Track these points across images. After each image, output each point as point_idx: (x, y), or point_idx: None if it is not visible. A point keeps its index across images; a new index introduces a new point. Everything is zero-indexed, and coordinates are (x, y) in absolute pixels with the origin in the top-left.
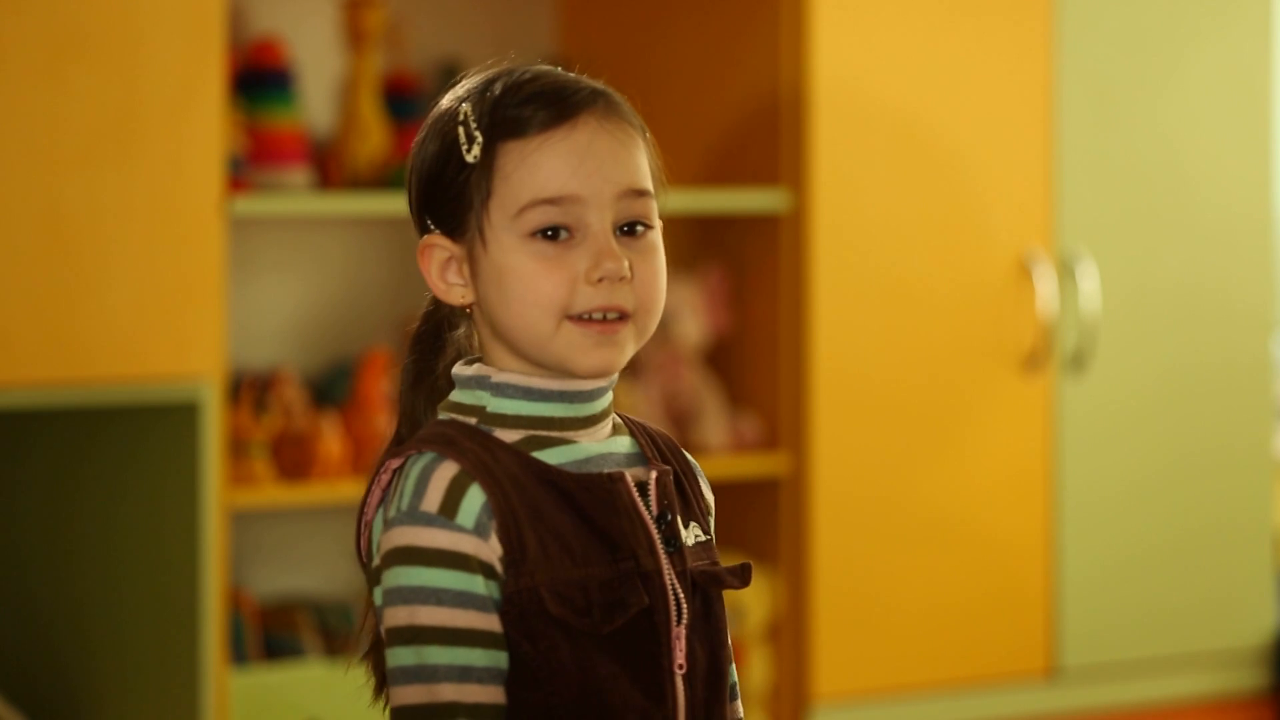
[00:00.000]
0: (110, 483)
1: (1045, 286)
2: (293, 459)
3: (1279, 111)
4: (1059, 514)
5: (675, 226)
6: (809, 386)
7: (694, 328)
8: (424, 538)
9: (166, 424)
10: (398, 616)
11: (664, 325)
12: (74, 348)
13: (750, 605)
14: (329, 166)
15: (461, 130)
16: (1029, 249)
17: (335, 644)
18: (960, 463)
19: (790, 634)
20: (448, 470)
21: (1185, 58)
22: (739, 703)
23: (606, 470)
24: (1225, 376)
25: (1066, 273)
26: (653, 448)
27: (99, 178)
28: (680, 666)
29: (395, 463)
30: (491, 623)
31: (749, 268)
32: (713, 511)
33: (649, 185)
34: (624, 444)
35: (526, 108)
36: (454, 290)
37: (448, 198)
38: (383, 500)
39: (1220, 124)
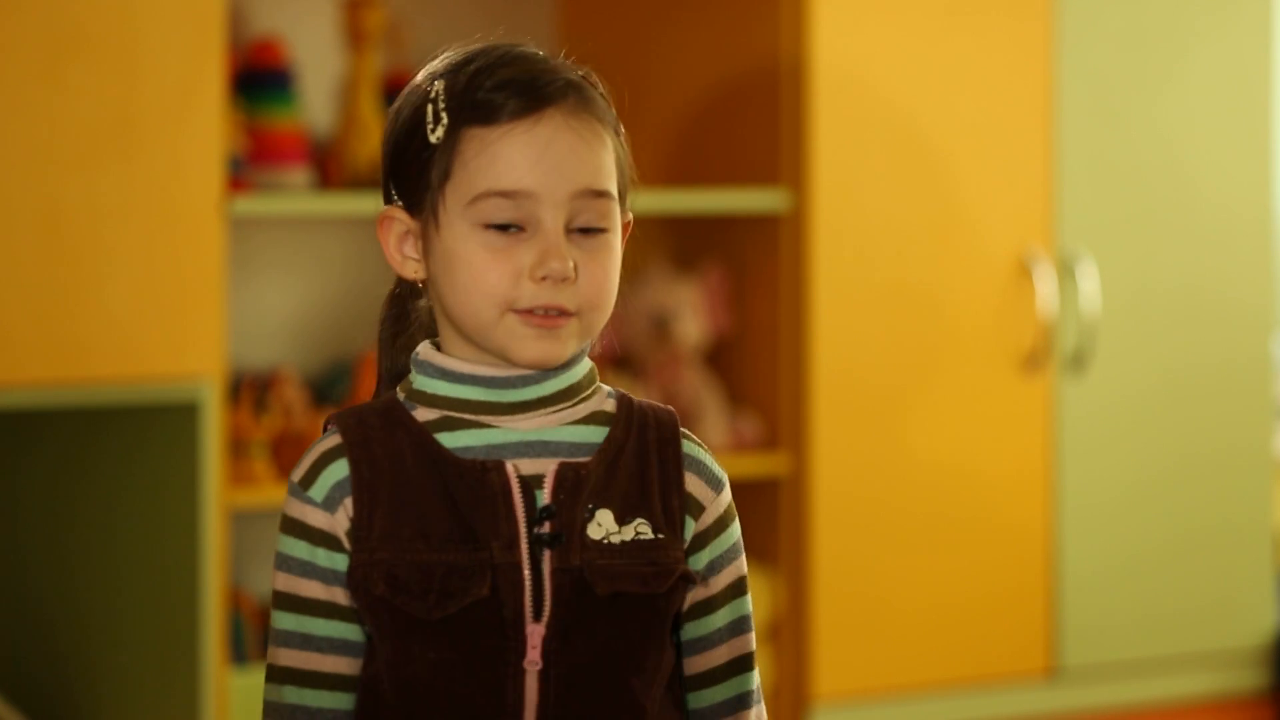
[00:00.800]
0: (110, 483)
1: (1045, 286)
2: (293, 459)
3: (1279, 111)
4: (1059, 514)
5: (675, 226)
6: (809, 386)
7: (694, 328)
8: (288, 506)
9: (166, 424)
10: (272, 580)
11: (664, 325)
12: (74, 348)
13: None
14: (329, 166)
15: (430, 109)
16: (1029, 249)
17: None
18: (960, 462)
19: (790, 634)
20: (325, 444)
21: (1185, 58)
22: (751, 711)
23: (513, 459)
24: (1225, 376)
25: (1066, 273)
26: (631, 440)
27: (99, 178)
28: (533, 664)
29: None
30: (335, 594)
31: (749, 268)
32: (710, 505)
33: (608, 186)
34: (580, 434)
35: (497, 94)
36: (408, 264)
37: (410, 173)
38: None
39: (1220, 124)
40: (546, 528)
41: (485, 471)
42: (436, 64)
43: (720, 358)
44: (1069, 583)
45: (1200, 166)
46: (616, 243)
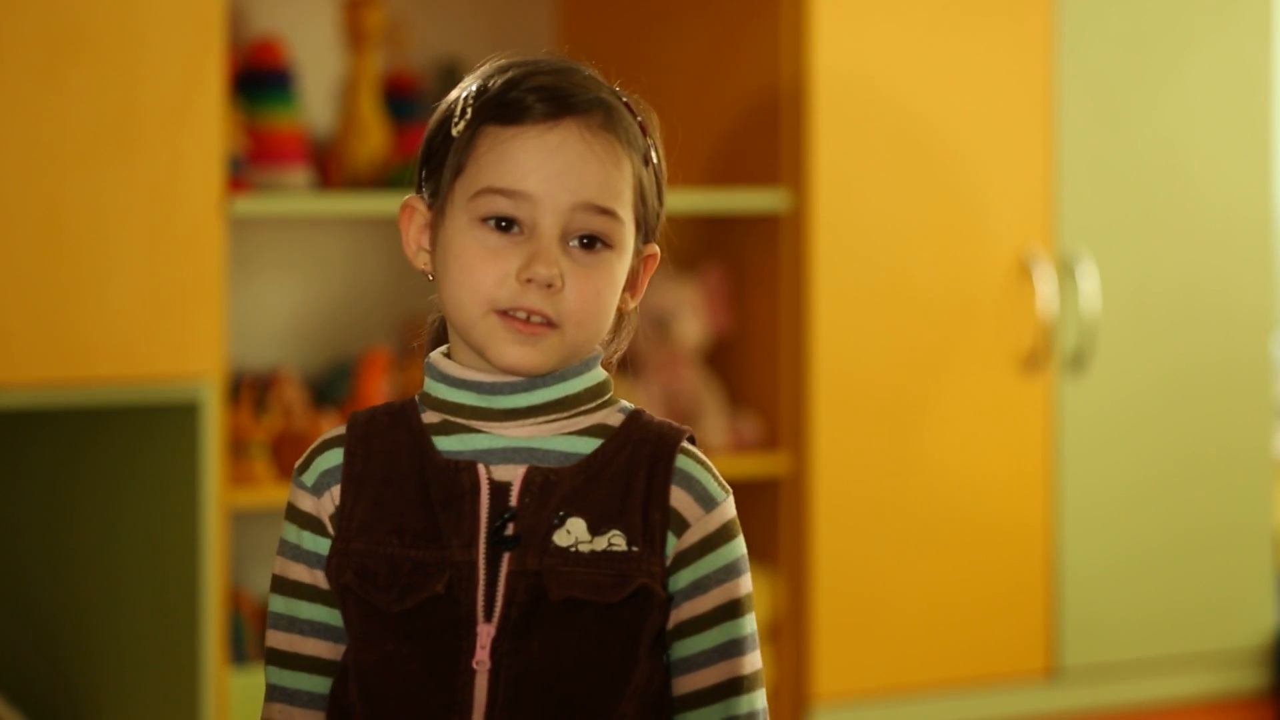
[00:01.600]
0: (110, 483)
1: (1045, 286)
2: (293, 459)
3: (1279, 111)
4: (1059, 514)
5: (675, 226)
6: (809, 386)
7: (694, 328)
8: (290, 492)
9: (166, 424)
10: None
11: (664, 325)
12: (74, 348)
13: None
14: (329, 166)
15: (459, 104)
16: (1029, 249)
17: None
18: (960, 462)
19: (790, 634)
20: (329, 433)
21: (1185, 58)
22: None
23: (496, 463)
24: (1225, 376)
25: (1066, 273)
26: (624, 453)
27: (99, 178)
28: (481, 664)
29: None
30: (318, 578)
31: (749, 268)
32: (696, 523)
33: (614, 205)
34: (573, 444)
35: (523, 97)
36: (421, 255)
37: (433, 165)
38: None
39: (1220, 124)
40: (509, 530)
41: (457, 471)
42: (485, 66)
43: (720, 358)
44: (1069, 583)
45: (1200, 166)
46: (617, 264)
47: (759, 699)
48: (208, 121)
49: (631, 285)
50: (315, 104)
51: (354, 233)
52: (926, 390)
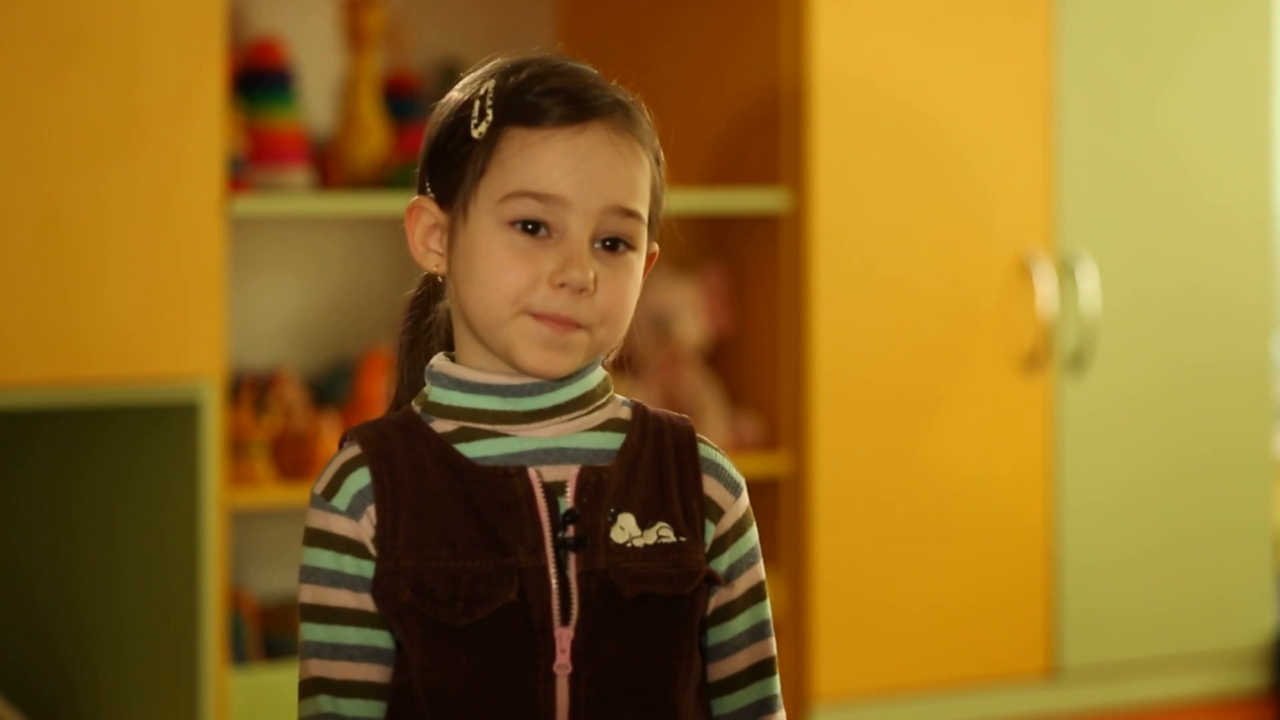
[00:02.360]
0: (110, 483)
1: (1045, 286)
2: (293, 459)
3: (1279, 111)
4: (1059, 514)
5: (675, 226)
6: (809, 386)
7: (694, 328)
8: (311, 519)
9: (166, 424)
10: (299, 594)
11: (664, 325)
12: (73, 348)
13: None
14: (329, 166)
15: (477, 105)
16: (1029, 249)
17: None
18: (960, 462)
19: (790, 634)
20: (345, 454)
21: (1185, 58)
22: (775, 716)
23: (535, 466)
24: (1225, 376)
25: (1066, 273)
26: (648, 445)
27: (99, 178)
28: (563, 667)
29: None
30: (364, 602)
31: (749, 268)
32: (729, 509)
33: (640, 207)
34: (596, 440)
35: (544, 99)
36: (430, 257)
37: (448, 166)
38: None
39: (1220, 124)
40: (571, 532)
41: (508, 478)
42: (491, 65)
43: (720, 358)
44: (1069, 583)
45: (1200, 166)
46: (638, 265)
47: (779, 681)
48: (208, 121)
49: None
50: (315, 104)
51: (354, 233)
52: (927, 390)
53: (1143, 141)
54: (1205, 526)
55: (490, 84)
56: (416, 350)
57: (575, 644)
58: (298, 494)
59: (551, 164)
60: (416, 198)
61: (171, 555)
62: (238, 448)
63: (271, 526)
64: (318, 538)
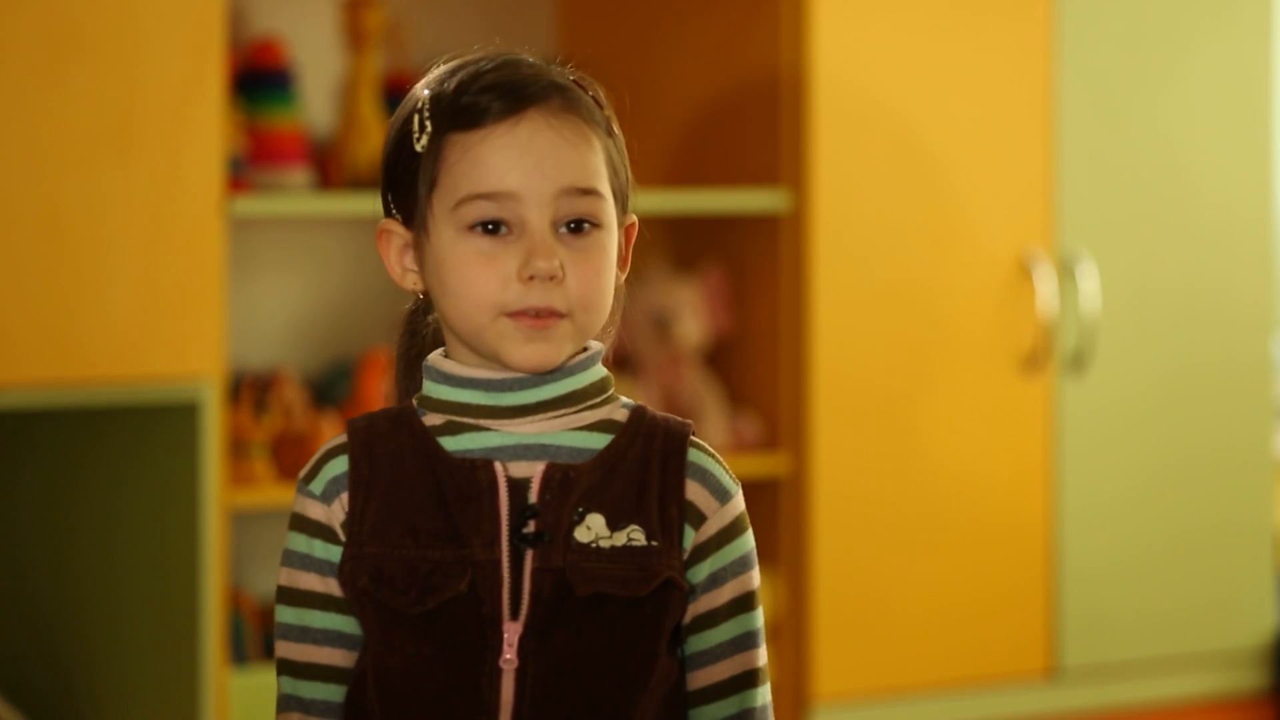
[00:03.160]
0: (110, 483)
1: (1045, 286)
2: (293, 459)
3: (1279, 111)
4: (1059, 514)
5: (675, 226)
6: (809, 386)
7: (694, 328)
8: (294, 503)
9: (166, 424)
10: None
11: (664, 325)
12: (74, 348)
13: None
14: (329, 166)
15: (416, 119)
16: (1029, 249)
17: None
18: (960, 463)
19: (790, 634)
20: (332, 442)
21: (1185, 58)
22: None
23: (510, 460)
24: (1225, 376)
25: (1066, 273)
26: (636, 447)
27: (99, 178)
28: (509, 662)
29: None
30: (330, 586)
31: (749, 268)
32: (713, 516)
33: (595, 184)
34: (582, 439)
35: (479, 99)
36: (408, 277)
37: (402, 185)
38: None
39: (1220, 124)
40: (531, 527)
41: (474, 470)
42: (429, 75)
43: (720, 358)
44: (1069, 583)
45: (1200, 166)
46: (608, 242)
47: (768, 692)
48: (208, 121)
49: (618, 259)
50: (315, 104)
51: (354, 233)
52: (927, 390)
53: (1143, 141)
54: (1205, 526)
55: (425, 95)
56: (412, 360)
57: (523, 639)
58: None
59: (495, 161)
60: (383, 220)
61: (171, 555)
62: (238, 448)
63: (271, 526)
64: (294, 521)
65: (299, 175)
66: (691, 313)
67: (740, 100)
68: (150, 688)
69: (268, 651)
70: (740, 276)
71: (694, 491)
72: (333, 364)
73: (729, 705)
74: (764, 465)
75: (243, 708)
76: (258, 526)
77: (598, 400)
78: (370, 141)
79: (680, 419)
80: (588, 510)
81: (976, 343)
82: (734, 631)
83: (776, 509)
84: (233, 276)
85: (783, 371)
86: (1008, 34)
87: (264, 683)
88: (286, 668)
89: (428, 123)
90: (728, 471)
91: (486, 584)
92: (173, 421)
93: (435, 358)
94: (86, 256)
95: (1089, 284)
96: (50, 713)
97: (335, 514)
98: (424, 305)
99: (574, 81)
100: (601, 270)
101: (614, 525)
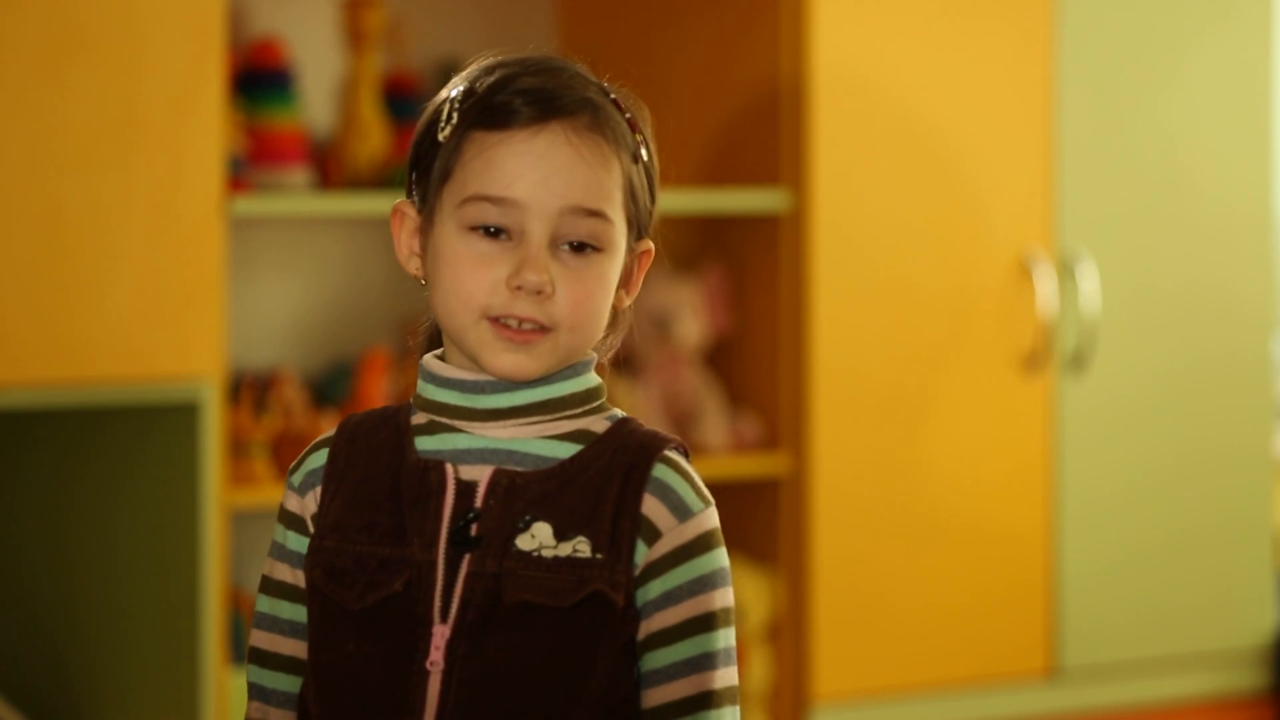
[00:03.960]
0: (110, 483)
1: (1045, 286)
2: (292, 459)
3: (1279, 111)
4: (1059, 514)
5: (675, 226)
6: (809, 386)
7: (694, 328)
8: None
9: (166, 424)
10: None
11: (664, 325)
12: (74, 348)
13: (750, 605)
14: (329, 166)
15: (445, 108)
16: (1029, 249)
17: None
18: (960, 463)
19: (790, 634)
20: (324, 435)
21: (1185, 58)
22: None
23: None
24: (1225, 376)
25: (1066, 273)
26: (603, 460)
27: (99, 178)
28: (435, 664)
29: None
30: (299, 578)
31: (749, 268)
32: (669, 533)
33: (603, 207)
34: (552, 448)
35: (508, 101)
36: (413, 260)
37: (422, 170)
38: None
39: (1220, 124)
40: (473, 531)
41: (426, 470)
42: (472, 67)
43: (720, 358)
44: (1068, 583)
45: (1200, 166)
46: (608, 266)
47: (729, 715)
48: (208, 121)
49: (626, 283)
50: (315, 104)
51: (354, 233)
52: (926, 390)
53: (1143, 141)
54: (1205, 526)
55: (461, 86)
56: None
57: (452, 643)
58: None
59: (507, 167)
60: (400, 200)
61: (171, 555)
62: (238, 448)
63: (271, 526)
64: (278, 512)
65: (299, 175)
66: (691, 313)
67: (740, 100)
68: (150, 688)
69: None
70: (740, 276)
71: (650, 507)
72: (333, 364)
73: None
74: (764, 465)
75: (243, 707)
76: (258, 526)
77: (578, 410)
78: (370, 141)
79: (665, 435)
80: (535, 518)
81: (976, 342)
82: (689, 652)
83: (776, 509)
84: (233, 276)
85: (783, 371)
86: (1008, 34)
87: None
88: (255, 656)
89: (455, 114)
90: (697, 489)
91: (421, 584)
92: (173, 421)
93: (428, 357)
94: (87, 256)
95: (1089, 283)
96: (50, 713)
97: (308, 506)
98: None
99: (613, 100)
100: (594, 293)
101: (560, 535)
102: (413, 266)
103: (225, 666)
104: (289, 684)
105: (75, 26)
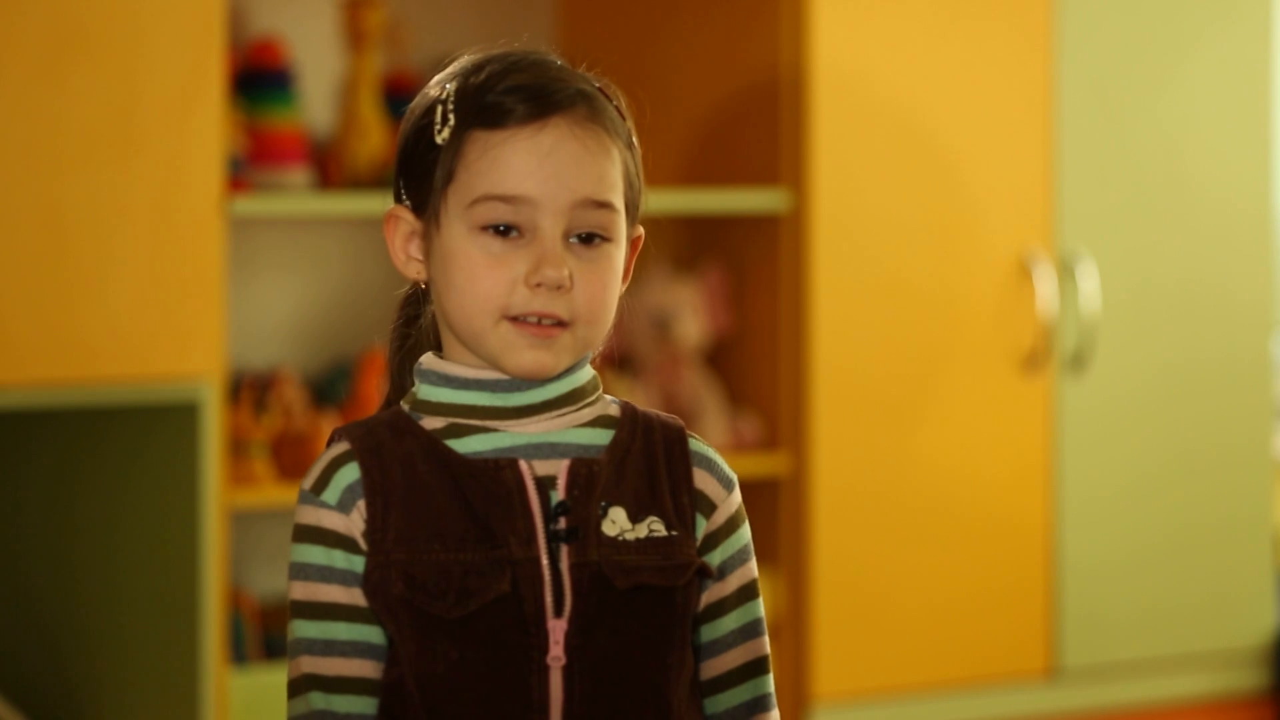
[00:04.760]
0: (110, 483)
1: (1045, 286)
2: (293, 459)
3: (1279, 111)
4: (1059, 514)
5: (675, 226)
6: (809, 386)
7: (694, 328)
8: (300, 515)
9: (166, 424)
10: (289, 591)
11: (664, 325)
12: (74, 348)
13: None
14: (329, 166)
15: (439, 110)
16: (1029, 249)
17: None
18: (960, 462)
19: (790, 634)
20: (334, 450)
21: (1185, 58)
22: (770, 714)
23: (525, 459)
24: (1225, 376)
25: (1066, 273)
26: (638, 440)
27: (99, 178)
28: (556, 659)
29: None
30: (355, 597)
31: (749, 268)
32: (722, 505)
33: (611, 198)
34: (586, 436)
35: (505, 99)
36: (412, 265)
37: (418, 174)
38: None
39: (1220, 124)
40: (562, 524)
41: (499, 470)
42: (455, 65)
43: (720, 358)
44: (1069, 582)
45: (1200, 166)
46: (617, 255)
47: (772, 680)
48: (208, 121)
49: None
50: (315, 104)
51: (354, 233)
52: (926, 390)
53: (1143, 141)
54: (1205, 525)
55: (451, 86)
56: (408, 351)
57: (569, 636)
58: (297, 494)
59: (515, 165)
60: (392, 206)
61: (171, 555)
62: (238, 448)
63: (271, 526)
64: (308, 533)
65: (299, 175)
66: (691, 313)
67: (740, 100)
68: (150, 688)
69: (268, 651)
70: (740, 276)
71: (702, 480)
72: (333, 364)
73: (743, 692)
74: (764, 465)
75: (243, 708)
76: (258, 526)
77: (592, 398)
78: (370, 141)
79: (668, 414)
80: (610, 504)
81: (977, 342)
82: (742, 619)
83: (776, 509)
84: (233, 276)
85: (783, 371)
86: (1008, 34)
87: (264, 683)
88: (315, 683)
89: (451, 115)
90: (724, 461)
91: (528, 583)
92: (173, 421)
93: (431, 360)
94: (87, 256)
95: (1089, 283)
96: (50, 713)
97: (355, 523)
98: (421, 294)
99: (599, 90)
100: (608, 284)
101: (634, 518)
102: (412, 271)
103: (225, 666)
104: (361, 705)
105: (75, 26)
